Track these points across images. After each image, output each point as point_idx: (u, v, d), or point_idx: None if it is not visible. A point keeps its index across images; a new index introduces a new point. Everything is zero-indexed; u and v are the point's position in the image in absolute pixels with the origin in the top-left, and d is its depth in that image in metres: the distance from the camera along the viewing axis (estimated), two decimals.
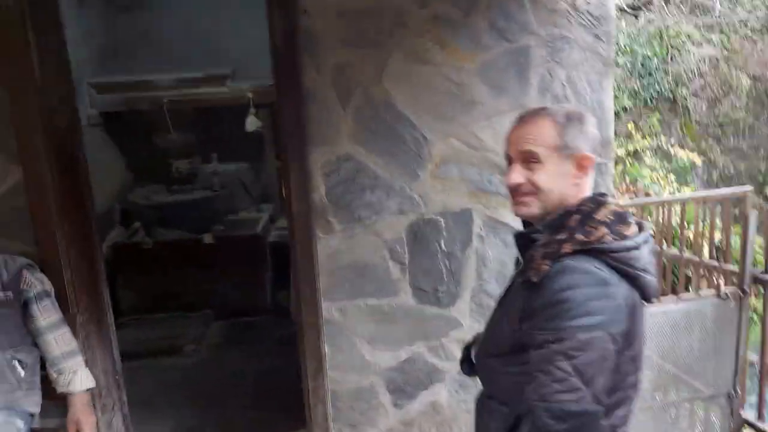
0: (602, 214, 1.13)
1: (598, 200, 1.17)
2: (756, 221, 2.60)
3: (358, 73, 2.12)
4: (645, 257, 1.13)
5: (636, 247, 1.12)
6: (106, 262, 3.97)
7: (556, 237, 1.13)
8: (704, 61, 7.78)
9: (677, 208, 3.45)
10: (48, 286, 2.03)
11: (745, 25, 8.02)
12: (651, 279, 1.13)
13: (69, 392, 1.97)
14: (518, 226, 1.27)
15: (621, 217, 1.15)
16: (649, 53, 7.67)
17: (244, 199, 4.73)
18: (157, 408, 3.09)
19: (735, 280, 2.67)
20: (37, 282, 1.98)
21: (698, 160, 7.09)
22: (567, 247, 1.10)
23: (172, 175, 4.53)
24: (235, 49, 4.49)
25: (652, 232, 1.26)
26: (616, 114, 6.88)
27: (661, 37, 7.84)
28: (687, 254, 2.94)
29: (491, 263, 2.31)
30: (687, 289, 2.93)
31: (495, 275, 2.32)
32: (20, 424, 1.89)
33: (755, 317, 3.67)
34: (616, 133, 5.41)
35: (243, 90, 4.29)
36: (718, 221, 2.92)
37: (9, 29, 1.96)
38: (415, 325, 2.34)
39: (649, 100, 7.64)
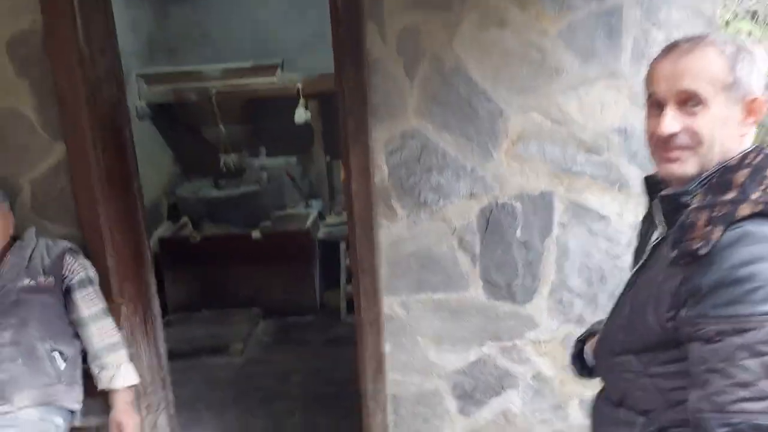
0: None
1: (765, 152, 0.91)
2: None
3: (427, 38, 1.90)
4: None
5: None
6: (153, 257, 3.93)
7: (721, 198, 0.87)
8: None
9: None
10: (92, 272, 1.88)
11: None
12: None
13: (111, 389, 1.81)
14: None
15: None
16: None
17: (292, 194, 4.58)
18: (201, 410, 2.94)
19: None
20: (79, 268, 1.83)
21: None
22: (744, 209, 0.84)
23: (219, 169, 4.41)
24: (285, 39, 4.42)
25: None
26: None
27: None
28: None
29: (574, 255, 2.05)
30: None
31: (578, 269, 2.05)
32: (59, 421, 1.73)
33: None
34: None
35: (293, 80, 4.14)
36: None
37: None
38: (485, 323, 2.10)
39: None
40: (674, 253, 0.89)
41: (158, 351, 2.26)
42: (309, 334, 3.79)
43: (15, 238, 1.82)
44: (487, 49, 1.91)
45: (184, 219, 4.24)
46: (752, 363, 0.78)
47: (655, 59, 0.98)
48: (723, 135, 0.91)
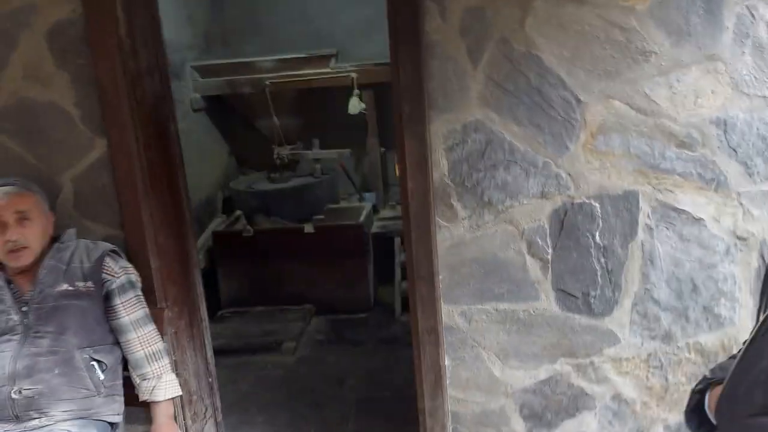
0: None
1: None
2: None
3: (494, 18, 1.69)
4: None
5: None
6: (207, 251, 3.89)
7: None
8: None
9: None
10: (134, 276, 1.78)
11: None
12: None
13: (152, 400, 1.71)
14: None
15: None
16: None
17: (346, 187, 4.45)
18: (251, 412, 2.85)
19: None
20: (120, 271, 1.73)
21: None
22: None
23: (273, 162, 4.33)
24: (340, 28, 4.32)
25: None
26: None
27: None
28: None
29: (662, 262, 1.79)
30: None
31: (666, 279, 1.80)
32: None
33: None
34: None
35: (347, 70, 4.00)
36: None
37: None
38: (558, 337, 1.88)
39: None
40: None
41: (205, 356, 2.16)
42: (362, 332, 3.66)
43: (55, 239, 1.74)
44: (562, 30, 1.67)
45: (238, 213, 4.19)
46: None
47: None
48: None
